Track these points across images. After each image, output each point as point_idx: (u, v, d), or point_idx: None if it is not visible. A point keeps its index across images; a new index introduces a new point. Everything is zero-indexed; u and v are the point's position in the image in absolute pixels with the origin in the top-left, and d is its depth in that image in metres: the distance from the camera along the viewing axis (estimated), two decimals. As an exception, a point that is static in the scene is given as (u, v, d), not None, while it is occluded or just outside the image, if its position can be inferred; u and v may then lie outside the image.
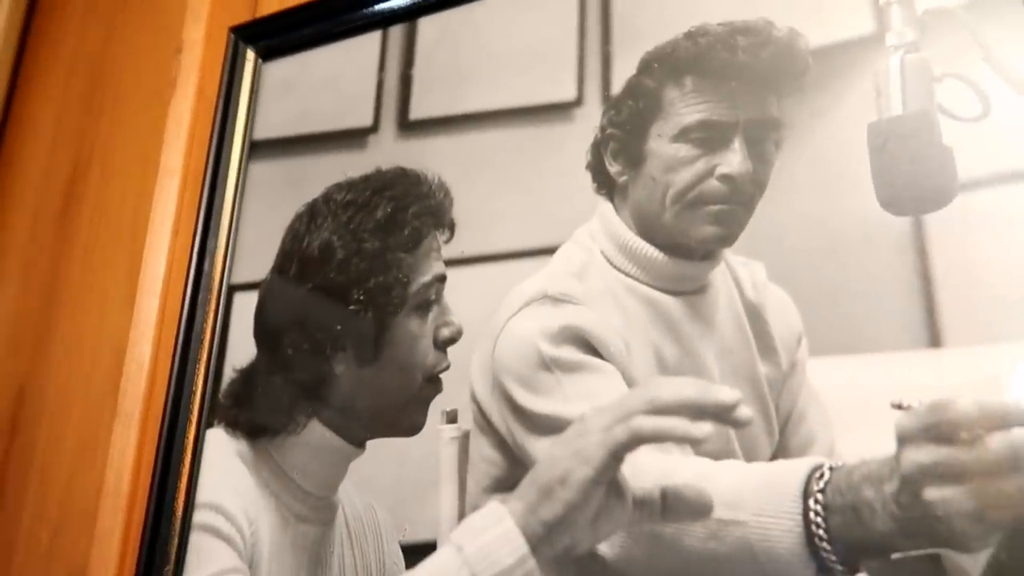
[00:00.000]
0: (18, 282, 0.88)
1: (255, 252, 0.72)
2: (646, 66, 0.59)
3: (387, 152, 0.69)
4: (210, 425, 0.67)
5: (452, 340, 0.60)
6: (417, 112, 0.69)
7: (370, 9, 0.74)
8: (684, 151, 0.56)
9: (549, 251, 0.59)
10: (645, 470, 0.49)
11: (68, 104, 0.95)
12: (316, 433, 0.62)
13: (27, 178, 0.94)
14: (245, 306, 0.70)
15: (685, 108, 0.56)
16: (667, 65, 0.58)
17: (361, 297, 0.64)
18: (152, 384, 0.76)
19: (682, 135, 0.56)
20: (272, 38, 0.79)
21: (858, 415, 0.47)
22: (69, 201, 0.88)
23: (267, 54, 0.79)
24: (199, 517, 0.64)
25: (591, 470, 0.50)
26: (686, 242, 0.55)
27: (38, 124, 0.96)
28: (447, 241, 0.63)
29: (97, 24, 0.97)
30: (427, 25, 0.71)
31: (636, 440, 0.49)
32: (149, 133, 0.86)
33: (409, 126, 0.69)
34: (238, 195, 0.74)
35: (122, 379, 0.75)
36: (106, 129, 0.90)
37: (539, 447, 0.53)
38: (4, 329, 0.87)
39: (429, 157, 0.66)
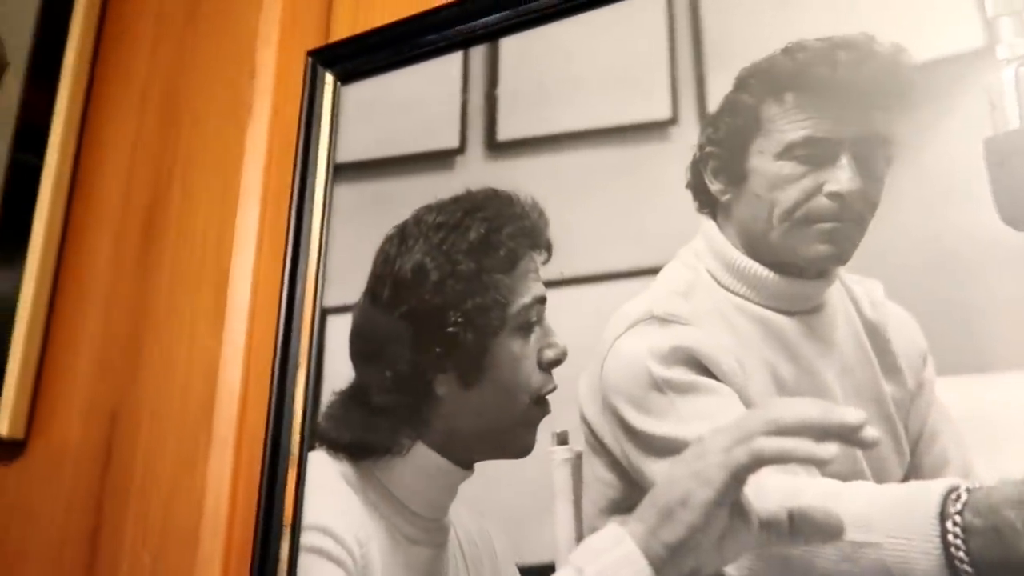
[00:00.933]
0: (103, 307, 0.90)
1: (345, 275, 0.73)
2: (743, 83, 0.59)
3: (476, 173, 0.69)
4: (312, 448, 0.68)
5: (557, 361, 0.60)
6: (505, 133, 0.69)
7: (448, 31, 0.74)
8: (788, 168, 0.56)
9: (651, 271, 0.59)
10: (770, 491, 0.49)
11: (143, 131, 0.96)
12: (422, 455, 0.63)
13: (106, 204, 0.96)
14: (338, 329, 0.71)
15: (787, 125, 0.56)
16: (765, 81, 0.58)
17: (459, 319, 0.64)
18: (244, 408, 0.77)
19: (786, 152, 0.56)
20: (350, 61, 0.80)
21: (987, 435, 0.47)
22: (150, 226, 0.90)
23: (345, 77, 0.80)
24: (307, 539, 0.65)
25: (712, 492, 0.50)
26: (796, 261, 0.55)
27: (114, 151, 0.98)
28: (544, 262, 0.63)
29: (167, 50, 0.99)
30: (509, 45, 0.72)
31: (758, 462, 0.50)
32: (227, 157, 0.87)
33: (497, 147, 0.70)
34: (325, 218, 0.75)
35: (215, 403, 0.77)
36: (183, 155, 0.91)
37: (656, 469, 0.53)
38: (92, 353, 0.89)
39: (520, 178, 0.67)
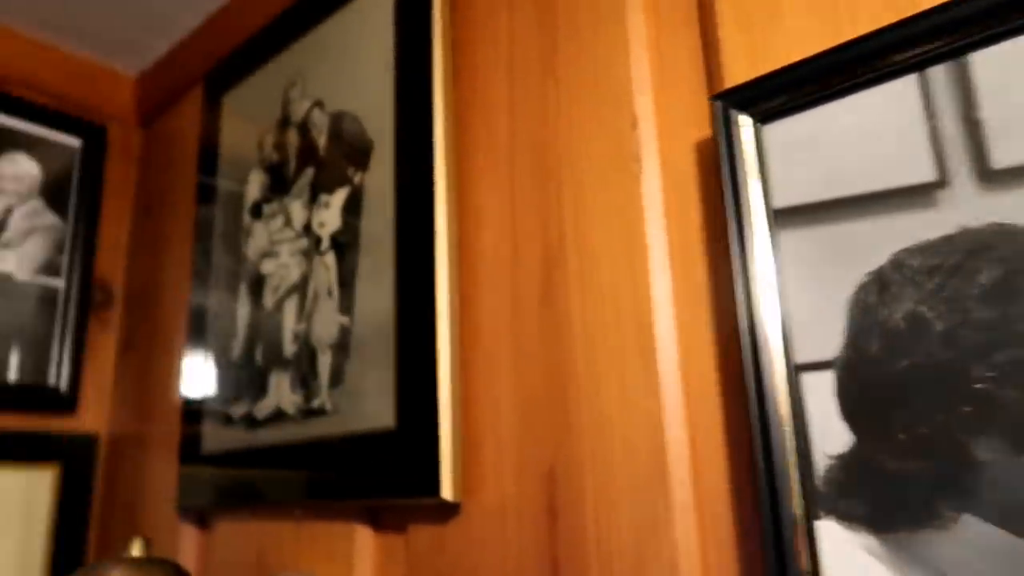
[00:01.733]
0: (512, 369, 0.93)
1: (807, 328, 0.69)
2: None
3: (968, 208, 0.63)
4: (816, 517, 0.65)
5: None
6: (1002, 159, 0.62)
7: (897, 56, 0.68)
8: None
9: None
10: None
11: (518, 190, 0.99)
12: (974, 530, 0.57)
13: (496, 267, 0.99)
14: (814, 387, 0.68)
15: None
16: None
17: (990, 374, 0.58)
18: (695, 470, 0.76)
19: None
20: (767, 101, 0.76)
21: None
22: (548, 285, 0.92)
23: (765, 117, 0.76)
24: (838, 618, 0.61)
25: None
26: None
27: (493, 214, 1.02)
28: (1103, 305, 0.56)
29: (527, 106, 1.01)
30: (983, 60, 0.65)
31: None
32: (623, 210, 0.87)
33: (993, 176, 0.63)
34: (778, 269, 0.72)
35: (668, 466, 0.76)
36: (570, 210, 0.92)
37: None
38: (511, 415, 0.92)
39: (1037, 209, 0.59)
